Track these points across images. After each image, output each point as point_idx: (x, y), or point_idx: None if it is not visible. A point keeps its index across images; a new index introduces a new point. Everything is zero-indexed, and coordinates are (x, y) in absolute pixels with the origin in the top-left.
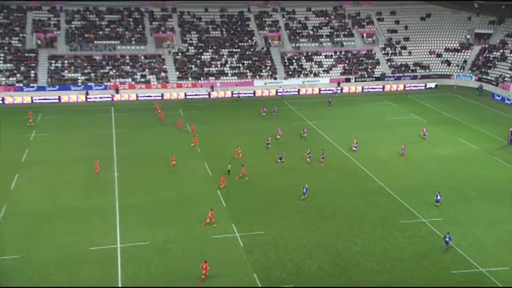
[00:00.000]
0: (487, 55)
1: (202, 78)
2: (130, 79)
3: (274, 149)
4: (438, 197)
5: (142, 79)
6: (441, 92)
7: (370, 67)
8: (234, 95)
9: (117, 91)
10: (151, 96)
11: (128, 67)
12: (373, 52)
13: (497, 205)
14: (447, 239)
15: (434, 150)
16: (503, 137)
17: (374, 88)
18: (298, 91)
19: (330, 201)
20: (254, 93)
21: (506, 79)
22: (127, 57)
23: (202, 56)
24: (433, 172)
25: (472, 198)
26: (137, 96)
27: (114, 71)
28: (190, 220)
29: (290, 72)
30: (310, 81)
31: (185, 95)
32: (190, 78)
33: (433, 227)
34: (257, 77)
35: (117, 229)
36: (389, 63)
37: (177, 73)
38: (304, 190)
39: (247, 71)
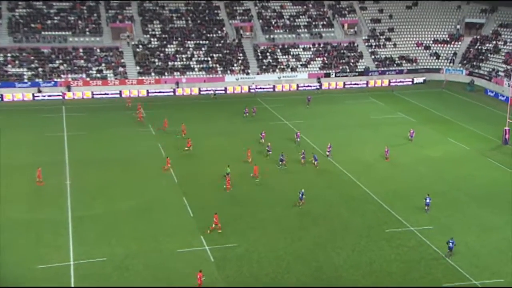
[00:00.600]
0: (479, 47)
1: (166, 74)
2: (84, 75)
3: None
4: (427, 200)
5: (98, 75)
6: (430, 87)
7: (352, 60)
8: (201, 92)
9: (69, 89)
10: (108, 94)
11: (82, 61)
12: (355, 44)
13: (490, 211)
14: (451, 244)
15: (423, 152)
16: (496, 136)
17: (357, 84)
18: (273, 87)
19: (311, 208)
20: (225, 89)
21: (499, 73)
22: (80, 50)
23: (166, 49)
24: (421, 176)
25: (463, 204)
26: (92, 94)
27: (65, 65)
28: (154, 232)
29: (264, 67)
30: (286, 76)
31: (147, 92)
32: (152, 74)
33: (422, 236)
34: (228, 72)
35: (69, 244)
36: (372, 56)
37: (138, 68)
38: (300, 195)
39: (217, 65)
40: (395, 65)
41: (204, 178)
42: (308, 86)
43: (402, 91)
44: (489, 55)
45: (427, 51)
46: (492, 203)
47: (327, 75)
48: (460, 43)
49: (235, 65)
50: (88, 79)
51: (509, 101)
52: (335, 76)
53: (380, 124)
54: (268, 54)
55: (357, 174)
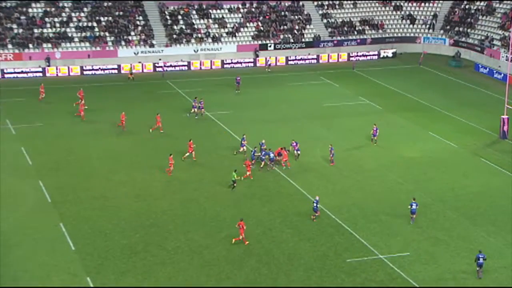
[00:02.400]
0: (466, 7)
1: (30, 46)
2: None
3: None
4: (414, 207)
5: None
6: (402, 63)
7: (297, 27)
8: (85, 72)
9: None
10: None
11: None
12: (300, 4)
13: (486, 230)
14: (481, 260)
15: (395, 152)
16: (492, 128)
17: (304, 60)
18: (188, 65)
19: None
20: (119, 68)
21: (494, 42)
22: None
23: (29, 10)
24: (393, 185)
25: (450, 221)
26: None
27: None
28: (15, 275)
29: (174, 36)
30: (206, 49)
31: (2, 73)
32: (9, 46)
33: (395, 266)
34: (123, 43)
35: None
36: (324, 21)
37: None
38: (315, 205)
39: (106, 34)
40: (355, 32)
41: (87, 193)
42: (238, 62)
43: (365, 69)
44: (480, 17)
45: (398, 12)
46: (488, 220)
47: (264, 47)
48: (441, 1)
49: (132, 33)
50: None
51: (507, 79)
52: (274, 48)
53: (336, 115)
54: (180, 17)
55: (306, 184)
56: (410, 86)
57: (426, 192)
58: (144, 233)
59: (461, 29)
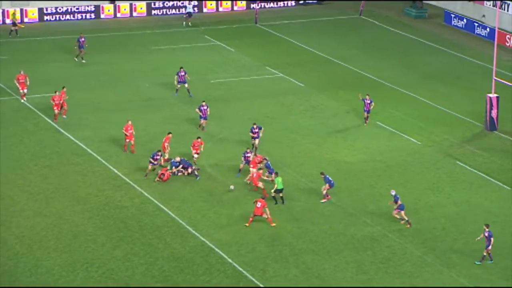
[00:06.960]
0: None
1: None
2: None
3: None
4: (488, 239)
5: None
6: (333, 12)
7: None
8: None
9: None
10: None
11: None
12: None
13: (468, 276)
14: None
15: (324, 154)
16: (473, 114)
17: (177, 8)
18: None
19: None
20: None
21: None
22: None
23: None
24: (319, 207)
25: (413, 262)
26: None
27: None
28: None
29: None
30: None
31: None
32: None
33: None
34: None
35: None
36: None
37: None
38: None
39: None
40: None
41: None
42: (69, 12)
43: (275, 22)
44: None
45: None
46: (471, 261)
47: None
48: None
49: None
50: None
51: (495, 37)
52: None
53: (230, 96)
54: None
55: (183, 209)
56: (346, 49)
57: (374, 218)
58: None
59: None
